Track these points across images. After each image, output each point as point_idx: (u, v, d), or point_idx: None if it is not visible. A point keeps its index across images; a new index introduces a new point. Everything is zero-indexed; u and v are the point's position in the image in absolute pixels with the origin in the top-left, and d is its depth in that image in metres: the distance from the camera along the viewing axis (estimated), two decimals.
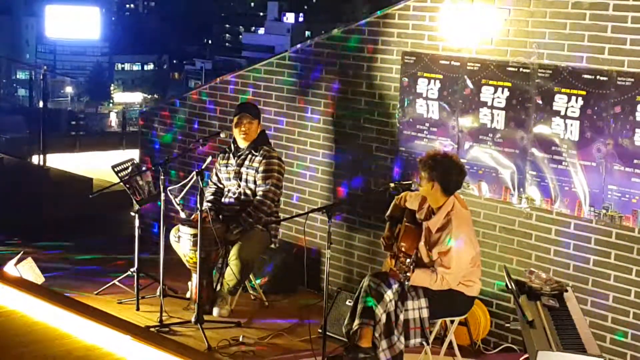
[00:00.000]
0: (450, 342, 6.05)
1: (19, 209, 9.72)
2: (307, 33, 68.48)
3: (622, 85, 5.99)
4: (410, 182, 6.15)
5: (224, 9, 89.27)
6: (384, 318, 5.71)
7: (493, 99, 6.67)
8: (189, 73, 75.93)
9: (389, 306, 5.71)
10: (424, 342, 5.76)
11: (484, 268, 6.69)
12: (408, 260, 5.63)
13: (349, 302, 6.65)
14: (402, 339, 5.67)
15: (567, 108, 6.28)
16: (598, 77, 6.10)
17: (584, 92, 6.18)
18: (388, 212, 6.30)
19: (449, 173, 5.82)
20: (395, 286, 5.73)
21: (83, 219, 9.72)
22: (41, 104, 12.56)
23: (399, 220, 6.16)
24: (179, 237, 6.92)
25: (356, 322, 5.77)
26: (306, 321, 6.77)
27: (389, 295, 5.72)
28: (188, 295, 7.20)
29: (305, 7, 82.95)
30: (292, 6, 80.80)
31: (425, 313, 5.72)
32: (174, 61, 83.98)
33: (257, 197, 7.08)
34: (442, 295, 5.75)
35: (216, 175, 7.40)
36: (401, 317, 5.68)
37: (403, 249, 5.81)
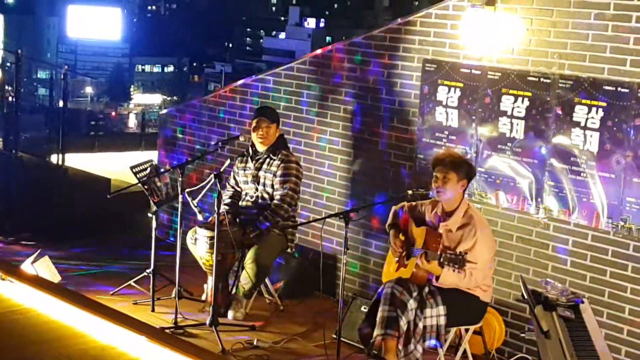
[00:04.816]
0: (465, 351, 6.04)
1: (37, 207, 9.75)
2: (328, 38, 68.50)
3: None
4: (427, 190, 6.13)
5: (245, 13, 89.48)
6: (405, 328, 5.65)
7: (513, 108, 6.66)
8: (208, 76, 76.01)
9: (410, 315, 5.66)
10: (438, 346, 5.73)
11: (501, 277, 6.69)
12: (450, 252, 5.60)
13: (364, 308, 6.64)
14: (419, 347, 5.63)
15: (587, 119, 6.26)
16: (619, 88, 6.07)
17: (604, 104, 6.16)
18: (390, 221, 6.31)
19: (469, 166, 6.02)
20: (415, 293, 5.70)
21: (100, 218, 9.74)
22: (61, 104, 12.59)
23: (399, 227, 6.18)
24: (195, 239, 6.93)
25: (378, 331, 5.64)
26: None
27: (411, 304, 5.66)
28: (203, 297, 7.22)
29: (327, 12, 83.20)
30: (313, 11, 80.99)
31: (442, 320, 5.69)
32: (194, 64, 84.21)
33: (275, 201, 7.08)
34: (459, 302, 5.72)
35: (234, 178, 7.40)
36: (420, 324, 5.64)
37: (431, 250, 5.78)
